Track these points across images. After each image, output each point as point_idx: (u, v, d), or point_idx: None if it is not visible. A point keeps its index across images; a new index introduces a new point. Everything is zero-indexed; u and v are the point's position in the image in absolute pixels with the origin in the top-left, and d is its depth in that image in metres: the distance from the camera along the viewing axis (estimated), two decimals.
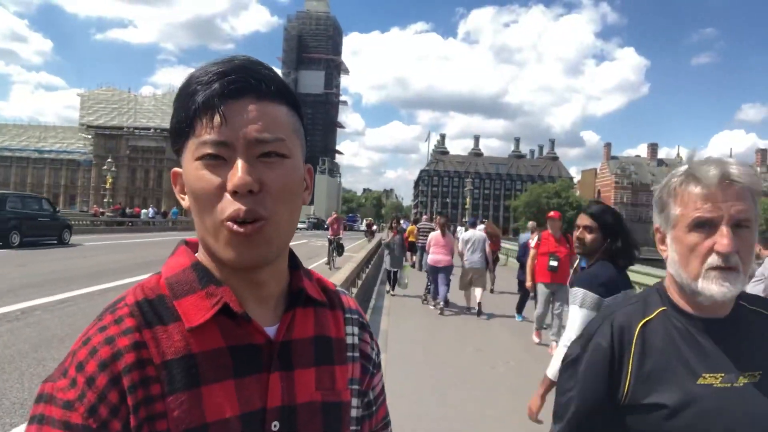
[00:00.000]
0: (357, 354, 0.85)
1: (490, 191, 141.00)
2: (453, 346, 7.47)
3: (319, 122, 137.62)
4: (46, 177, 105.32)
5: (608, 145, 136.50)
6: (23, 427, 3.80)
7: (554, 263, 7.45)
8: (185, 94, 0.70)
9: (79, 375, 0.65)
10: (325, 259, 17.74)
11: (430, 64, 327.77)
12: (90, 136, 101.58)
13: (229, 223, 0.67)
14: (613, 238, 2.91)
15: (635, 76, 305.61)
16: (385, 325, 8.67)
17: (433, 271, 10.30)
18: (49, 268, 12.79)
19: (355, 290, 8.90)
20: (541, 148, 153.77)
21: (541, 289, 7.69)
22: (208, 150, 0.68)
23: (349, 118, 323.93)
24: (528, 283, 7.77)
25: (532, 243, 7.85)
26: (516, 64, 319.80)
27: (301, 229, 67.24)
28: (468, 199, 50.19)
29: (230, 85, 0.69)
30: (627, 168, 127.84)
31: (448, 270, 10.24)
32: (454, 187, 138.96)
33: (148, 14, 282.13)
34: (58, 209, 23.68)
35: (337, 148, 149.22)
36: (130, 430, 0.65)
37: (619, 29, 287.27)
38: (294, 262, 0.82)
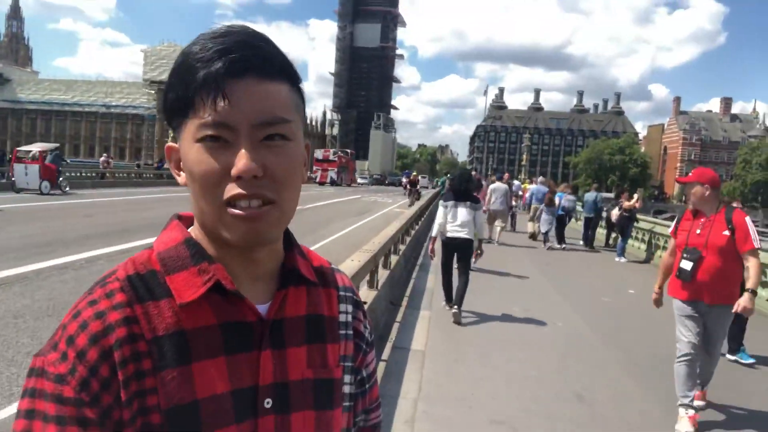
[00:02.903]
0: (351, 332, 0.85)
1: (549, 147, 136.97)
2: (499, 306, 7.39)
3: (374, 77, 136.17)
4: (113, 131, 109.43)
5: (677, 99, 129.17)
6: None
7: (686, 265, 4.10)
8: (183, 70, 0.68)
9: (70, 349, 0.65)
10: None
11: (490, 14, 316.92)
12: (153, 92, 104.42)
13: (231, 208, 0.68)
14: (459, 182, 7.14)
15: (711, 24, 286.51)
16: (431, 283, 8.66)
17: None
18: None
19: (394, 258, 8.88)
20: (605, 102, 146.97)
21: (678, 309, 4.20)
22: (210, 132, 0.67)
23: (404, 72, 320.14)
24: (654, 295, 4.48)
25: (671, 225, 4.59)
26: (581, 13, 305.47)
27: (362, 184, 67.46)
28: (525, 156, 48.81)
29: (233, 63, 0.67)
30: (697, 123, 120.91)
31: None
32: (512, 143, 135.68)
33: None
34: None
35: (392, 102, 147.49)
36: (121, 404, 0.65)
37: None
38: (289, 240, 0.81)
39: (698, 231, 4.15)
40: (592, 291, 9.30)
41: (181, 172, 0.73)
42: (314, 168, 59.70)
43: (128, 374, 0.65)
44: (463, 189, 7.01)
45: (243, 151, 0.66)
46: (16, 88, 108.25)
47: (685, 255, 4.15)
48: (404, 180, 48.72)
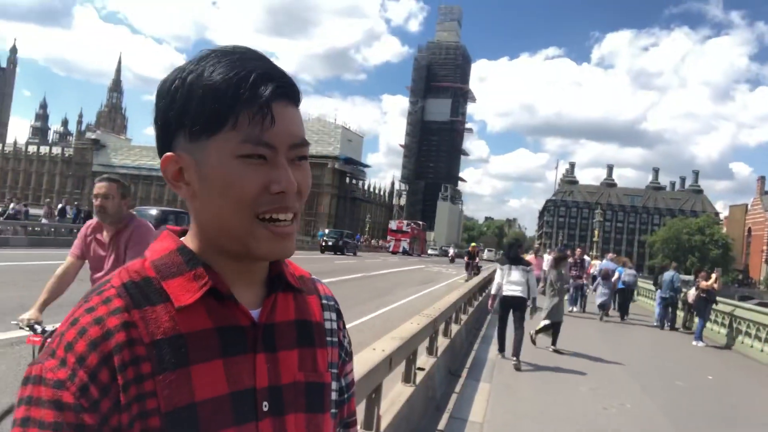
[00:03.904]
0: (335, 339, 0.87)
1: (623, 224, 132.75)
2: (564, 381, 7.12)
3: (443, 149, 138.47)
4: None
5: (762, 179, 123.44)
6: None
7: None
8: (223, 87, 0.70)
9: (69, 355, 0.65)
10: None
11: (561, 90, 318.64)
12: None
13: (267, 222, 0.71)
14: (508, 249, 8.97)
15: None
16: (493, 355, 8.46)
17: None
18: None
19: (455, 327, 8.79)
20: (683, 180, 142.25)
21: None
22: (255, 149, 0.70)
23: (473, 145, 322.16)
24: None
25: None
26: (656, 90, 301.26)
27: (431, 255, 68.22)
28: (597, 231, 47.38)
29: (278, 88, 0.71)
30: None
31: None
32: (583, 219, 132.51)
33: (288, 47, 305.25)
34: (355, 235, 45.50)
35: (460, 175, 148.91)
36: (120, 409, 0.65)
37: None
38: None
39: None
40: (666, 373, 8.80)
41: (182, 183, 0.74)
42: (387, 237, 60.92)
43: (128, 378, 0.66)
44: (513, 254, 8.38)
45: (287, 168, 0.71)
46: (110, 154, 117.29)
47: None
48: (451, 252, 46.98)
